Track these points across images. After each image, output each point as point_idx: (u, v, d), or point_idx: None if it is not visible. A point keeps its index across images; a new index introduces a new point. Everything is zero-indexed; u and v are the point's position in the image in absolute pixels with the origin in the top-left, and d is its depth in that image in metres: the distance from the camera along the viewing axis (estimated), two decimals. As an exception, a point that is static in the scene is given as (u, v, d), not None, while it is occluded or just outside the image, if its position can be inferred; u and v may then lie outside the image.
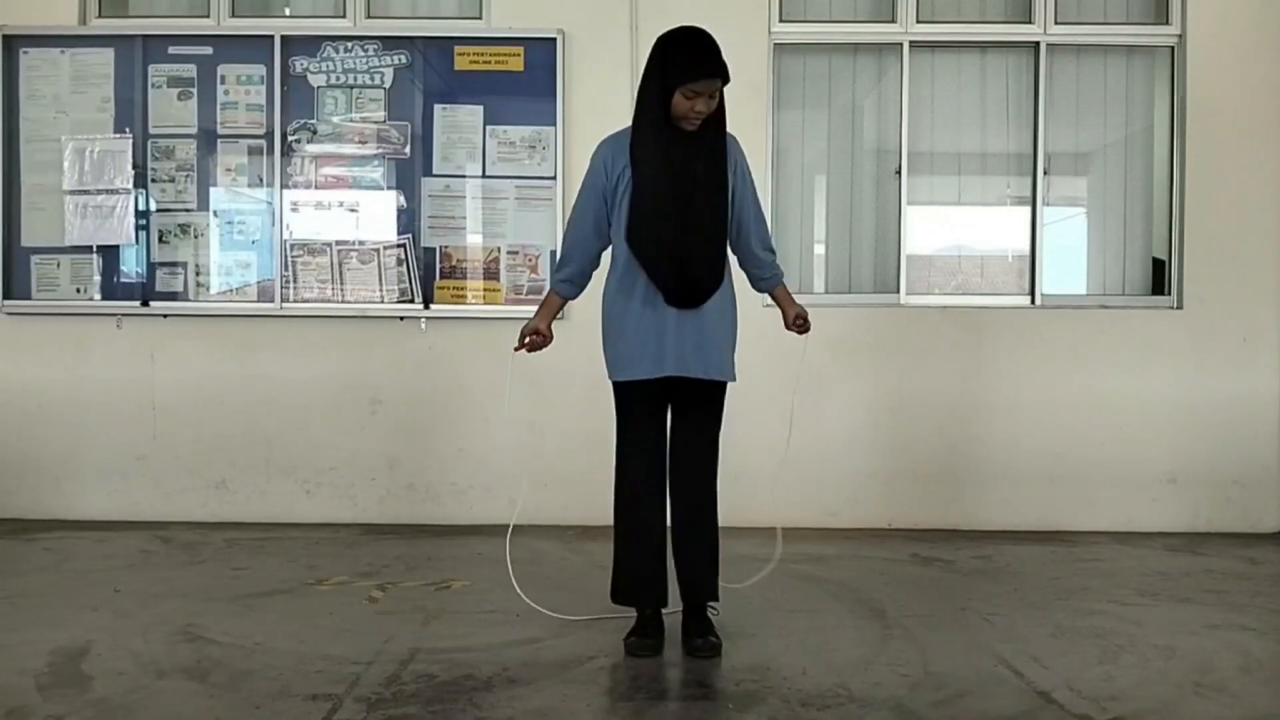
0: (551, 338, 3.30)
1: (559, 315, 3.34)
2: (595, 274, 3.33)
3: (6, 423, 5.23)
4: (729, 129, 3.18)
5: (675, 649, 3.18)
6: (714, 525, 3.25)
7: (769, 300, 5.21)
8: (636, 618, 3.23)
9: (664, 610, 3.26)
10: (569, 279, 3.29)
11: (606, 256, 3.30)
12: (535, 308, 4.95)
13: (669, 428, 3.23)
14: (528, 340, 3.27)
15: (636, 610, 3.24)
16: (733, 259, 3.27)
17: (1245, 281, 5.18)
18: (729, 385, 3.23)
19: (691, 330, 3.11)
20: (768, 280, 3.34)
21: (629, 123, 3.17)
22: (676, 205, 3.03)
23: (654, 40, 3.11)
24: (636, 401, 3.18)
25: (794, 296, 3.38)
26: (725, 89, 3.08)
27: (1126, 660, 3.13)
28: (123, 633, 3.32)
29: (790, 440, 3.66)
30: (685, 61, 2.99)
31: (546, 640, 3.26)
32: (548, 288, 5.00)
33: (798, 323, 3.32)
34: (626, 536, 3.23)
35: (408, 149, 5.15)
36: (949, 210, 5.48)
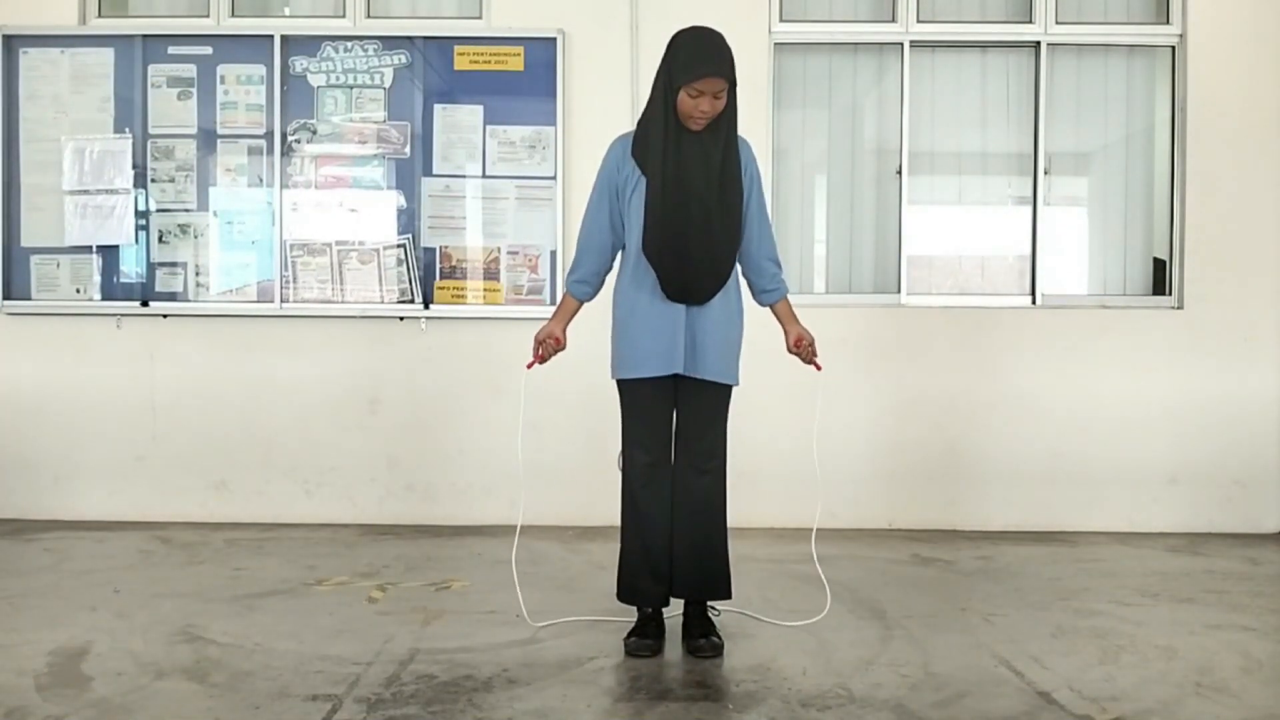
0: (566, 344, 3.24)
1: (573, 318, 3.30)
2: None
3: (6, 423, 5.23)
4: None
5: (675, 649, 3.18)
6: (720, 526, 3.23)
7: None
8: (637, 617, 3.23)
9: (664, 611, 3.25)
10: (583, 279, 3.25)
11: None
12: (534, 308, 5.08)
13: (674, 429, 3.22)
14: (541, 350, 3.21)
15: (637, 610, 3.24)
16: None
17: (1245, 281, 5.18)
18: (734, 387, 3.23)
19: (698, 331, 3.11)
20: (771, 293, 3.27)
21: (635, 121, 3.17)
22: (681, 204, 3.02)
23: (659, 40, 3.11)
24: (641, 400, 3.17)
25: (795, 311, 3.30)
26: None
27: (1127, 660, 3.13)
28: (122, 633, 3.32)
29: (819, 472, 3.73)
30: (689, 59, 2.98)
31: (546, 640, 3.26)
32: (549, 288, 5.09)
33: (799, 345, 3.24)
34: (630, 537, 3.22)
35: (408, 149, 5.15)
36: (949, 210, 5.47)
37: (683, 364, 3.12)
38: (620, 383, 3.21)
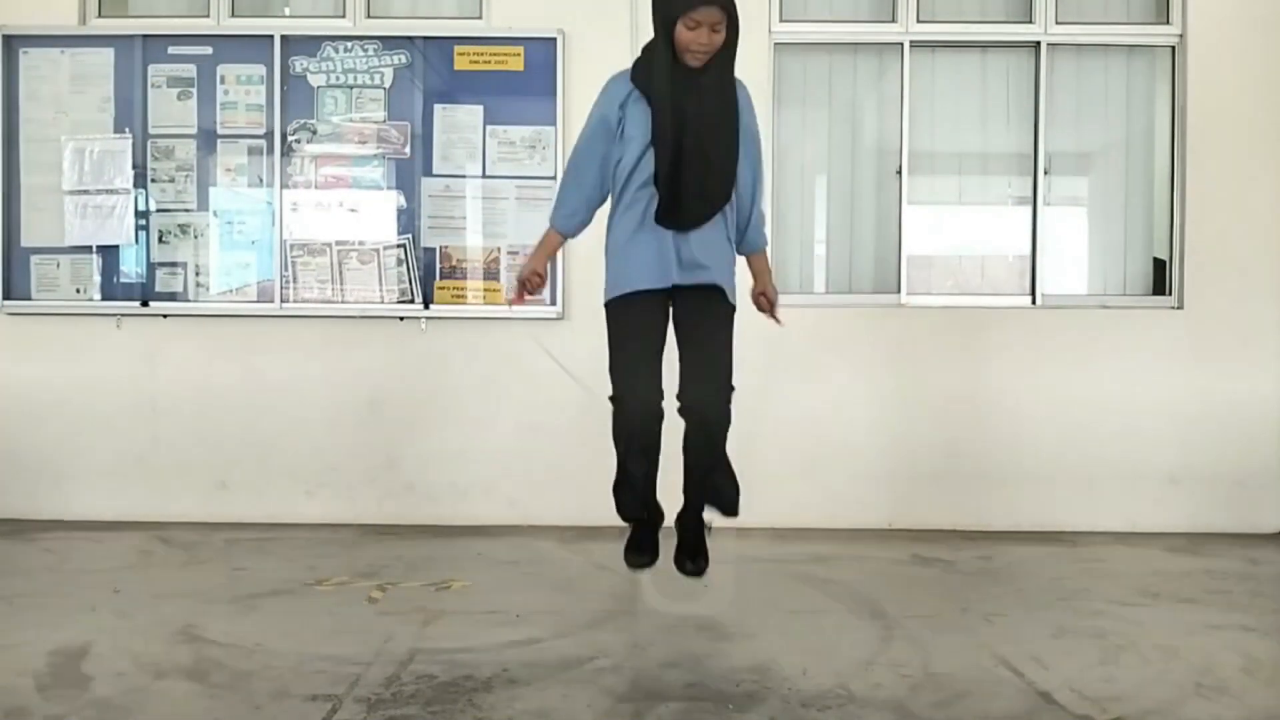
0: (547, 278, 3.30)
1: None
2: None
3: (6, 423, 5.22)
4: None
5: (674, 650, 3.18)
6: (724, 439, 3.18)
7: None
8: (631, 531, 3.25)
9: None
10: (572, 212, 3.24)
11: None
12: (535, 308, 5.08)
13: (679, 355, 3.16)
14: (527, 287, 3.22)
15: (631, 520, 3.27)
16: None
17: (1245, 281, 5.17)
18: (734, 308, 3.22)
19: (689, 245, 3.09)
20: (753, 241, 3.32)
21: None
22: (675, 136, 3.01)
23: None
24: (632, 321, 3.13)
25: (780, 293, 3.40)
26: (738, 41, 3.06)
27: (1127, 661, 3.13)
28: (122, 633, 3.32)
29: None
30: None
31: (546, 640, 3.26)
32: (550, 287, 5.05)
33: (763, 299, 3.33)
34: (623, 467, 3.20)
35: (408, 149, 5.15)
36: (949, 210, 5.47)
37: (679, 273, 3.09)
38: (610, 308, 3.17)
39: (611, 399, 3.14)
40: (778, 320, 3.35)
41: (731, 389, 3.12)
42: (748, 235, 3.30)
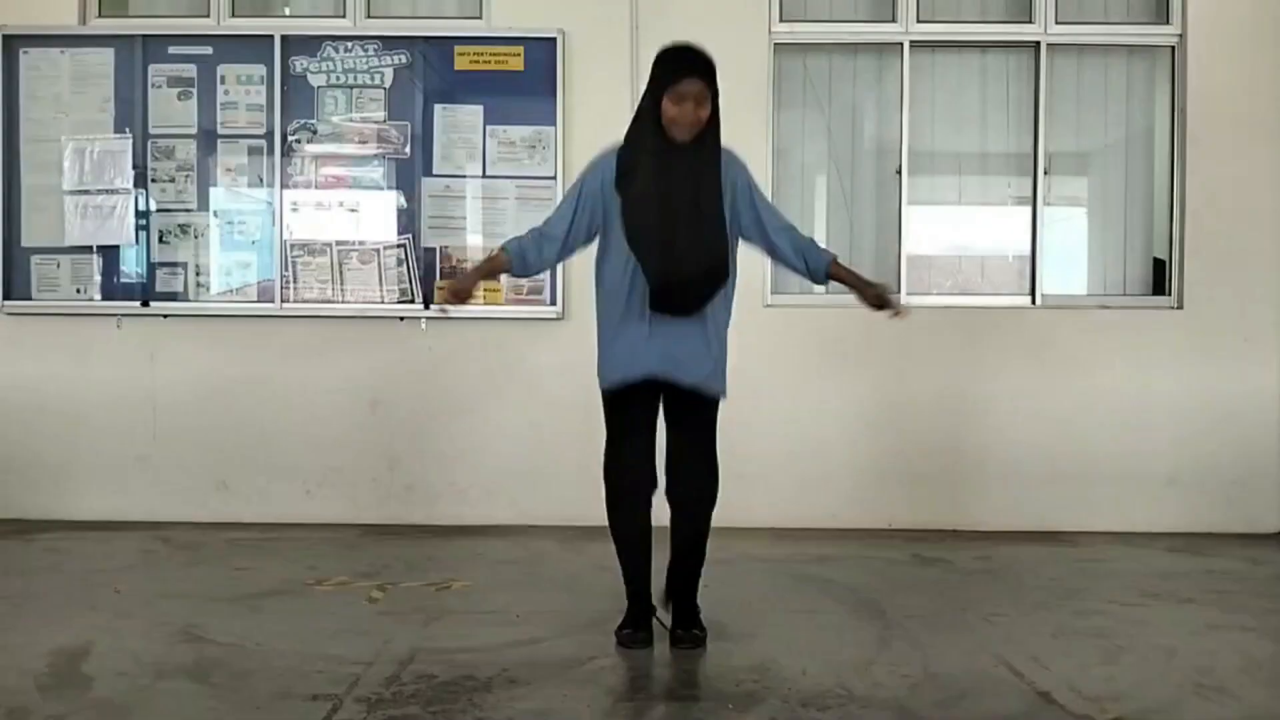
0: (468, 300, 3.26)
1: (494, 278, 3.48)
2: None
3: (6, 423, 5.22)
4: (731, 139, 3.16)
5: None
6: (702, 554, 3.25)
7: (769, 300, 5.23)
8: (627, 609, 3.25)
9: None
10: (525, 249, 3.17)
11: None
12: (535, 308, 5.08)
13: (667, 444, 3.21)
14: (452, 302, 3.21)
15: (627, 601, 3.27)
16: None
17: (1245, 281, 5.17)
18: (724, 398, 3.21)
19: (678, 337, 3.08)
20: (820, 267, 3.30)
21: (629, 123, 3.16)
22: (666, 218, 3.01)
23: (659, 40, 3.13)
24: (623, 412, 3.17)
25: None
26: (724, 94, 3.07)
27: (1127, 661, 3.13)
28: (123, 633, 3.32)
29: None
30: (667, 67, 3.05)
31: (546, 640, 3.26)
32: (549, 288, 5.08)
33: (876, 301, 3.28)
34: (620, 555, 3.26)
35: (408, 149, 5.14)
36: (949, 210, 5.47)
37: (661, 366, 3.08)
38: (603, 395, 3.20)
39: (606, 488, 3.21)
40: (900, 313, 3.34)
41: (715, 490, 3.21)
42: (809, 263, 3.30)
